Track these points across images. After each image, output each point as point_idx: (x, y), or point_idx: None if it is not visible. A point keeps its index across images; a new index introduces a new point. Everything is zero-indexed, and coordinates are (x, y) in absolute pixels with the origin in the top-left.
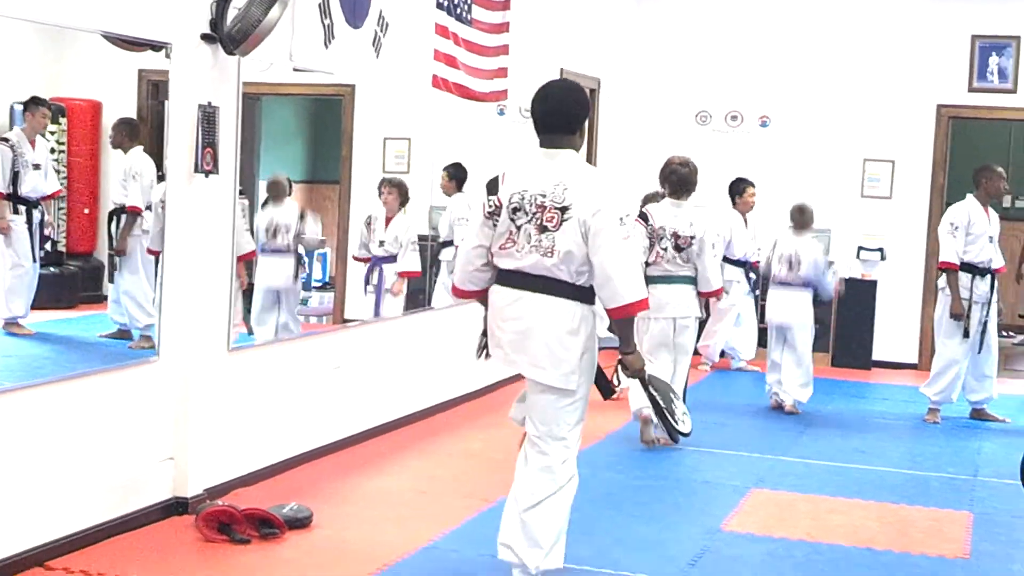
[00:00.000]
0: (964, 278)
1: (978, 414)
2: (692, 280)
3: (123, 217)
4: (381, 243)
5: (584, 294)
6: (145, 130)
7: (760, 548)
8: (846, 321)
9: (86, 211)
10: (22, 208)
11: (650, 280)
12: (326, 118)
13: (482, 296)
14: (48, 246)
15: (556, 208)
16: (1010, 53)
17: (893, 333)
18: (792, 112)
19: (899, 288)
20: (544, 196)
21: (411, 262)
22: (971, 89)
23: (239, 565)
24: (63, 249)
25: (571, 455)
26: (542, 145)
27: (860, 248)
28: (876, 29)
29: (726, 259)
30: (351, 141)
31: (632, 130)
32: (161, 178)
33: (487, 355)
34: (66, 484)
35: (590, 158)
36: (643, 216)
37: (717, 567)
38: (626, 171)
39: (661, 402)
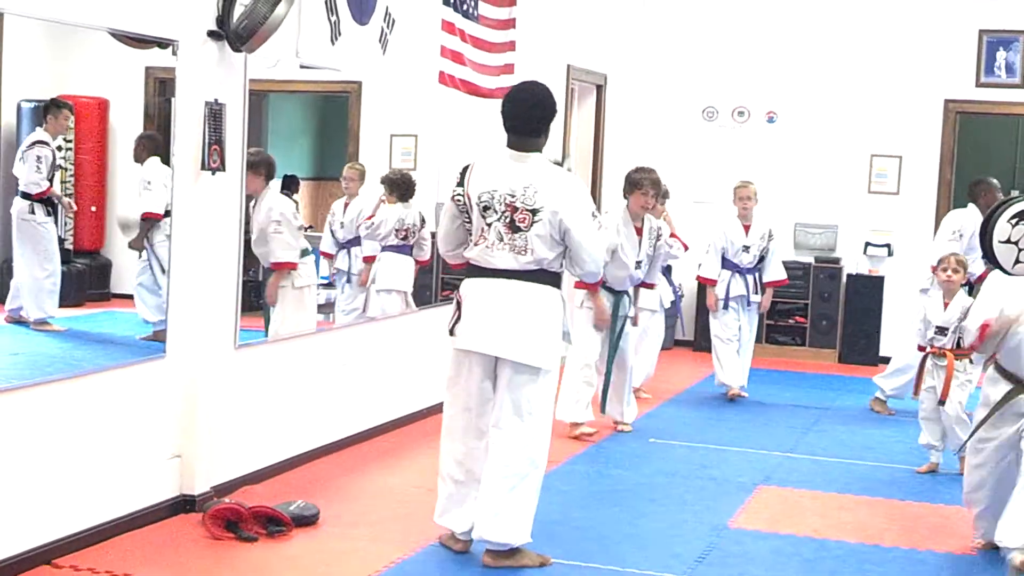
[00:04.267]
0: None
1: None
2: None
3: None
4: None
5: (556, 280)
6: (153, 129)
7: (767, 545)
8: (853, 317)
9: (93, 209)
10: (50, 208)
11: None
12: (333, 115)
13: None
14: None
15: (528, 210)
16: (1018, 48)
17: (900, 329)
18: (799, 108)
19: (906, 284)
20: (514, 197)
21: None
22: (979, 84)
23: (246, 563)
24: (70, 247)
25: (545, 432)
26: (510, 146)
27: (867, 244)
28: (883, 24)
29: None
30: (358, 138)
31: (638, 126)
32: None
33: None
34: (73, 482)
35: (596, 155)
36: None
37: (724, 564)
38: (632, 167)
39: None
